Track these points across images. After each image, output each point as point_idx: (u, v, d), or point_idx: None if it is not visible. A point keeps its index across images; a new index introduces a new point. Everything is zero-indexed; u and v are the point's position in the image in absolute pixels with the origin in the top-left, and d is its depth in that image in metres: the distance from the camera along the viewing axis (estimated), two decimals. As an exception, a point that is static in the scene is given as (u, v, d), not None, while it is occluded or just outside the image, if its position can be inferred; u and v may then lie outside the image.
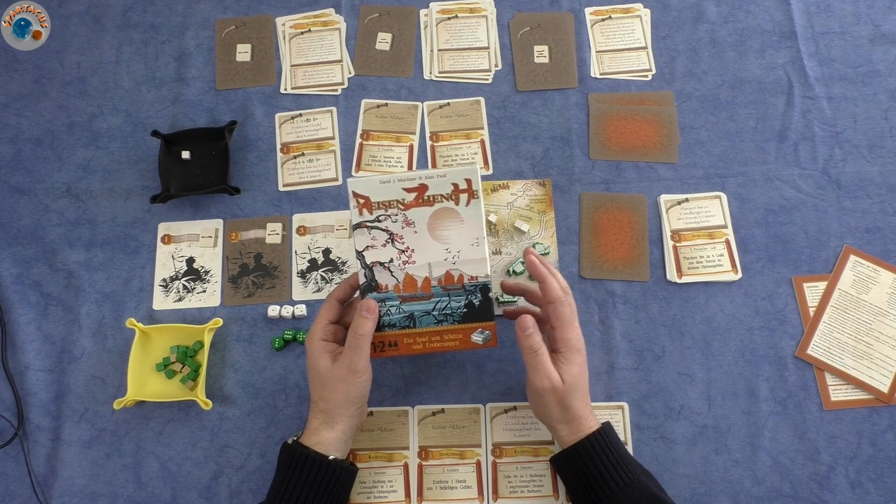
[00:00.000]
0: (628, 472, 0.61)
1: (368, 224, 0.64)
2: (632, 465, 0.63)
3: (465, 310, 0.65)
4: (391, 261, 0.64)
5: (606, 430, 0.64)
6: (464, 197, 0.63)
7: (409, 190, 0.63)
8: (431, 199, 0.64)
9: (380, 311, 0.64)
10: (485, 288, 0.64)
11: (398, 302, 0.65)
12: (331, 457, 0.62)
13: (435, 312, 0.65)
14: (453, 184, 0.63)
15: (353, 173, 0.83)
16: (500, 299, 0.76)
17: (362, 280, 0.64)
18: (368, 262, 0.64)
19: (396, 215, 0.64)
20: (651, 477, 0.64)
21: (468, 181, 0.63)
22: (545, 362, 0.62)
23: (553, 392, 0.62)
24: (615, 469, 0.61)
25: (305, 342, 0.65)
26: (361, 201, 0.64)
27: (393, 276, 0.64)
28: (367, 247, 0.64)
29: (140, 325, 0.74)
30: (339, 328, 0.67)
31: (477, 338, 0.65)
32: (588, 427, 0.63)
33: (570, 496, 0.68)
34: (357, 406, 0.65)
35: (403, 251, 0.64)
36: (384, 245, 0.64)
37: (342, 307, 0.67)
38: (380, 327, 0.65)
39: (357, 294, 0.66)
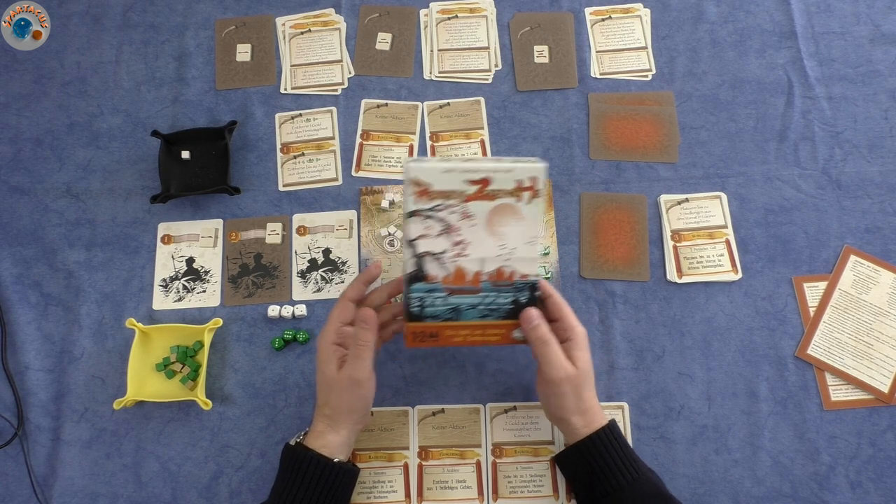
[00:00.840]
0: (637, 469, 0.62)
1: (425, 212, 0.60)
2: (639, 461, 0.63)
3: (510, 306, 0.64)
4: (444, 252, 0.61)
5: (614, 425, 0.64)
6: (526, 195, 0.61)
7: (472, 182, 0.60)
8: (493, 193, 0.60)
9: (424, 300, 0.63)
10: (533, 287, 0.64)
11: (445, 294, 0.63)
12: (335, 459, 0.62)
13: (481, 307, 0.64)
14: (517, 180, 0.60)
15: (354, 173, 0.83)
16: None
17: (410, 269, 0.62)
18: (419, 252, 0.61)
19: (455, 207, 0.60)
20: (655, 474, 0.64)
21: (533, 179, 0.60)
22: (558, 351, 0.62)
23: (569, 381, 0.62)
24: (624, 464, 0.62)
25: (318, 343, 0.64)
26: (420, 189, 0.59)
27: (444, 267, 0.62)
28: (420, 236, 0.61)
29: (140, 325, 0.74)
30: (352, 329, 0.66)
31: (518, 335, 0.65)
32: (600, 420, 0.64)
33: (575, 493, 0.67)
34: (361, 413, 0.65)
35: (458, 243, 0.61)
36: (438, 236, 0.61)
37: (355, 307, 0.66)
38: (421, 317, 0.63)
39: (368, 289, 0.66)
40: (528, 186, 0.60)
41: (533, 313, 0.63)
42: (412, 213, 0.60)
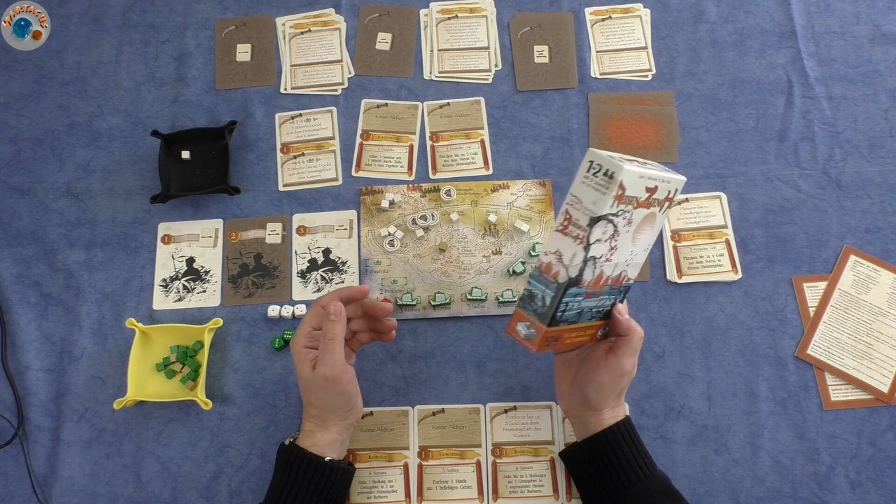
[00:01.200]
0: (651, 465, 0.62)
1: (611, 216, 0.55)
2: (650, 458, 0.64)
3: (609, 308, 0.63)
4: (601, 256, 0.57)
5: (630, 421, 0.65)
6: (666, 204, 0.61)
7: (648, 189, 0.57)
8: (651, 202, 0.59)
9: (568, 306, 0.57)
10: (627, 289, 0.64)
11: (582, 298, 0.58)
12: (326, 458, 0.62)
13: (595, 309, 0.62)
14: (668, 191, 0.60)
15: (354, 173, 0.83)
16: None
17: (574, 274, 0.55)
18: (589, 256, 0.56)
19: (628, 213, 0.57)
20: (665, 474, 0.65)
21: (675, 191, 0.61)
22: (640, 346, 0.63)
23: (630, 375, 0.63)
24: (640, 460, 0.62)
25: (291, 348, 0.65)
26: (620, 192, 0.54)
27: (593, 272, 0.57)
28: (597, 240, 0.56)
29: (140, 325, 0.74)
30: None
31: (600, 333, 0.65)
32: (621, 415, 0.65)
33: (582, 490, 0.67)
34: (345, 409, 0.64)
35: (612, 248, 0.58)
36: (606, 240, 0.56)
37: (325, 314, 0.65)
38: (557, 321, 0.58)
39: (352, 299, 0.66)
40: (669, 197, 0.61)
41: (619, 305, 0.64)
42: (601, 217, 0.54)
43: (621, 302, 0.64)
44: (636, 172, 0.54)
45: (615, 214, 0.55)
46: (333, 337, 0.61)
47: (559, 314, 0.57)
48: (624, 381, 0.63)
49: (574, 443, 0.67)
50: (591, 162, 0.54)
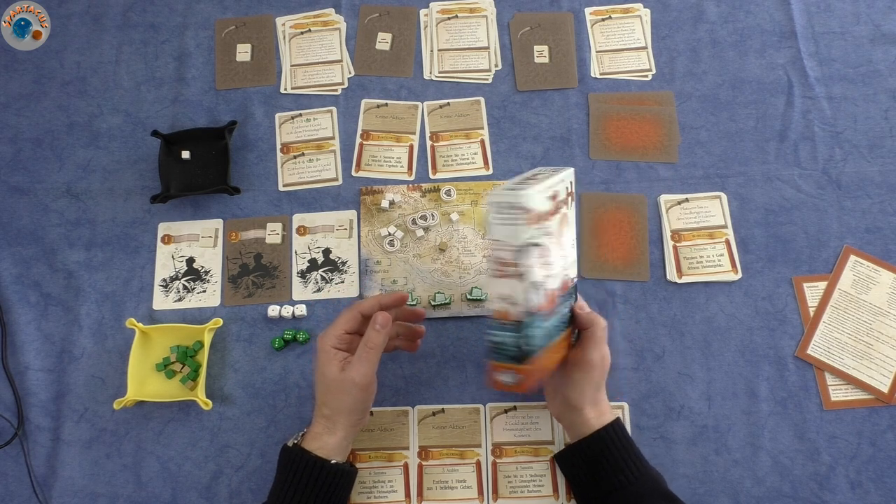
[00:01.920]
0: (642, 465, 0.62)
1: (533, 240, 0.54)
2: (644, 459, 0.64)
3: (569, 314, 0.64)
4: (543, 278, 0.56)
5: (621, 422, 0.65)
6: (570, 199, 0.61)
7: (551, 198, 0.56)
8: (559, 205, 0.58)
9: (528, 341, 0.55)
10: (575, 288, 0.64)
11: (543, 321, 0.57)
12: (332, 461, 0.62)
13: (561, 321, 0.61)
14: (566, 188, 0.59)
15: (354, 173, 0.83)
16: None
17: (527, 307, 0.54)
18: (530, 283, 0.54)
19: (547, 228, 0.56)
20: (659, 474, 0.64)
21: (571, 183, 0.61)
22: (604, 335, 0.64)
23: (601, 368, 0.64)
24: (631, 461, 0.62)
25: (317, 343, 0.64)
26: (530, 215, 0.53)
27: (544, 294, 0.56)
28: (531, 266, 0.54)
29: (140, 325, 0.74)
30: (354, 338, 0.65)
31: (574, 339, 0.66)
32: (609, 416, 0.65)
33: (576, 491, 0.67)
34: (360, 415, 0.65)
35: (546, 265, 0.56)
36: (541, 263, 0.55)
37: (363, 320, 0.65)
38: (532, 355, 0.56)
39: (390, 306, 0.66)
40: (571, 192, 0.61)
41: (580, 300, 0.65)
42: (525, 246, 0.53)
43: (574, 301, 0.65)
44: (536, 191, 0.54)
45: (537, 236, 0.55)
46: (375, 346, 0.62)
47: (531, 347, 0.56)
48: (596, 374, 0.64)
49: (567, 445, 0.67)
50: (497, 204, 0.53)
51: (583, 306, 0.65)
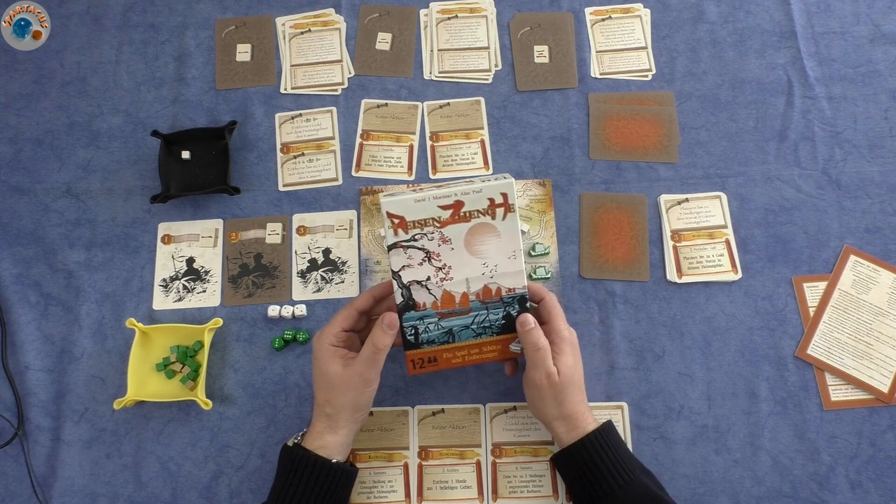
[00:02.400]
0: (628, 472, 0.61)
1: (404, 244, 0.63)
2: (631, 464, 0.63)
3: (503, 321, 0.65)
4: (428, 279, 0.63)
5: (606, 429, 0.64)
6: (500, 211, 0.63)
7: (444, 207, 0.62)
8: (468, 214, 0.62)
9: (418, 328, 0.65)
10: (522, 299, 0.65)
11: (436, 319, 0.65)
12: (334, 460, 0.62)
13: (474, 326, 0.65)
14: (489, 199, 0.62)
15: (354, 173, 0.83)
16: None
17: (399, 300, 0.64)
18: (405, 282, 0.63)
19: (433, 233, 0.62)
20: (651, 476, 0.64)
21: (504, 195, 0.62)
22: (547, 358, 0.63)
23: (550, 387, 0.63)
24: (615, 468, 0.61)
25: (314, 343, 0.65)
26: (396, 221, 0.62)
27: (431, 293, 0.64)
28: (404, 266, 0.63)
29: (140, 325, 0.74)
30: (352, 336, 0.66)
31: (515, 347, 0.66)
32: (586, 426, 0.64)
33: (571, 495, 0.68)
34: (362, 412, 0.65)
35: (441, 268, 0.63)
36: (421, 264, 0.63)
37: (359, 317, 0.66)
38: (418, 344, 0.65)
39: (385, 299, 0.67)
40: (501, 203, 0.62)
41: (529, 318, 0.64)
42: (392, 246, 0.63)
43: (516, 312, 0.65)
44: (406, 200, 0.61)
45: (410, 240, 0.62)
46: (383, 347, 0.62)
47: (411, 338, 0.65)
48: (545, 393, 0.64)
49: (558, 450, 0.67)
50: (384, 212, 0.62)
51: (526, 323, 0.64)
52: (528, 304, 0.65)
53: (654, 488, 0.62)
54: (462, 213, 0.62)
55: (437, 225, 0.62)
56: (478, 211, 0.62)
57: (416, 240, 0.63)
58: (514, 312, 0.65)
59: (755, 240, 0.79)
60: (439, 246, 0.63)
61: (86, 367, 0.76)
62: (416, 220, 0.62)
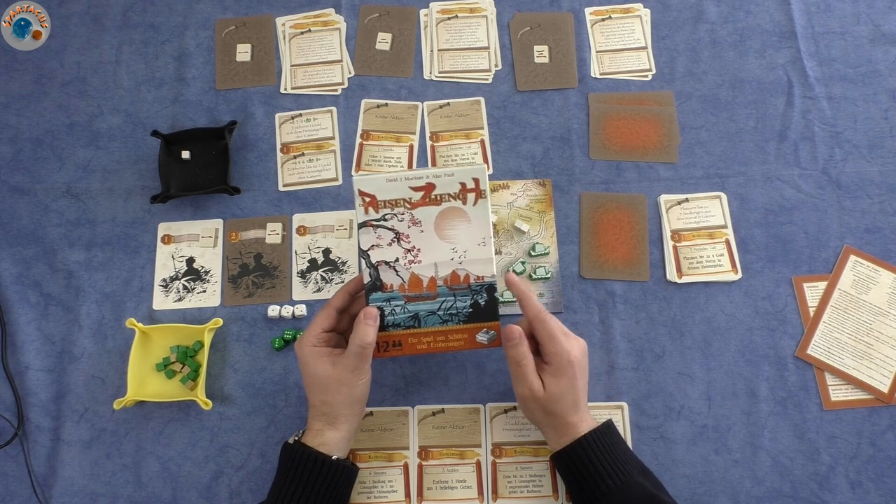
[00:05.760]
0: (624, 472, 0.61)
1: (374, 223, 0.63)
2: (628, 464, 0.63)
3: (470, 310, 0.65)
4: (397, 260, 0.64)
5: (603, 429, 0.64)
6: (471, 196, 0.63)
7: (416, 189, 0.63)
8: (439, 198, 0.63)
9: (384, 310, 0.64)
10: (490, 288, 0.64)
11: (403, 301, 0.64)
12: (334, 457, 0.62)
13: (440, 312, 0.65)
14: (461, 183, 0.63)
15: (353, 173, 0.83)
16: (501, 299, 0.76)
17: (367, 279, 0.64)
18: (374, 262, 0.64)
19: (403, 214, 0.63)
20: (649, 475, 0.64)
21: (476, 180, 0.63)
22: (527, 373, 0.63)
23: (534, 400, 0.63)
24: (611, 469, 0.61)
25: (297, 350, 0.64)
26: (367, 200, 0.63)
27: (398, 275, 0.64)
28: (373, 246, 0.64)
29: (140, 325, 0.74)
30: (332, 335, 0.66)
31: (482, 338, 0.66)
32: (574, 432, 0.63)
33: (569, 495, 0.68)
34: (360, 405, 0.65)
35: (409, 250, 0.64)
36: (390, 244, 0.64)
37: (339, 315, 0.66)
38: (384, 327, 0.65)
39: (361, 295, 0.66)
40: (473, 188, 0.63)
41: (515, 332, 0.63)
42: (362, 225, 0.64)
43: (484, 301, 0.64)
44: (378, 178, 0.63)
45: (380, 220, 0.63)
46: (369, 342, 0.62)
47: (391, 319, 0.65)
48: (530, 405, 0.64)
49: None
50: (355, 189, 0.63)
51: (511, 337, 0.63)
52: (495, 296, 0.64)
53: (652, 489, 0.62)
54: (433, 196, 0.63)
55: (408, 206, 0.63)
56: (449, 195, 0.63)
57: (385, 220, 0.63)
58: (482, 301, 0.65)
59: (755, 240, 0.79)
60: (409, 228, 0.63)
61: (86, 367, 0.76)
62: (387, 200, 0.63)
